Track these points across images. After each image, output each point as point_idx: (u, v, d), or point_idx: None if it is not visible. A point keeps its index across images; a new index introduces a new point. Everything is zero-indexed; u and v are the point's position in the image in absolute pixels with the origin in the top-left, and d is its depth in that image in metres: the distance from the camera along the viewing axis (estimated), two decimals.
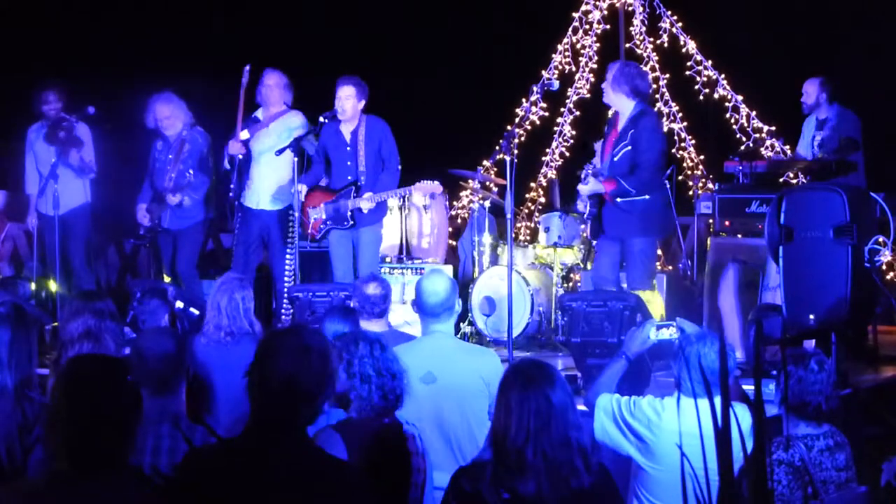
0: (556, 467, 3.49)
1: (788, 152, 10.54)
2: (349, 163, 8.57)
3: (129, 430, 3.32)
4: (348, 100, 8.44)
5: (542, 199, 12.36)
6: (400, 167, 8.68)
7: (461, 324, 9.46)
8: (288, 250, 8.79)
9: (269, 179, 8.96)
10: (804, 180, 9.41)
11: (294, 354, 3.29)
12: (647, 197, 7.69)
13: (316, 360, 3.31)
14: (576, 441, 3.54)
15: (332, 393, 3.67)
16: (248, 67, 9.06)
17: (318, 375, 3.32)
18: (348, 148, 8.57)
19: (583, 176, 7.97)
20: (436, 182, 8.69)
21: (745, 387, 5.07)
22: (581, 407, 5.91)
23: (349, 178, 8.60)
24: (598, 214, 7.91)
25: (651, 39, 11.74)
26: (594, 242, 8.50)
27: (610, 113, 8.08)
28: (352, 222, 8.55)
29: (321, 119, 8.38)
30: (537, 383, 3.58)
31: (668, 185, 8.23)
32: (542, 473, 3.48)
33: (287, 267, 8.74)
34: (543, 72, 11.87)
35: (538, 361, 3.73)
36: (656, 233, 7.97)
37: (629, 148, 7.70)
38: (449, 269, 9.87)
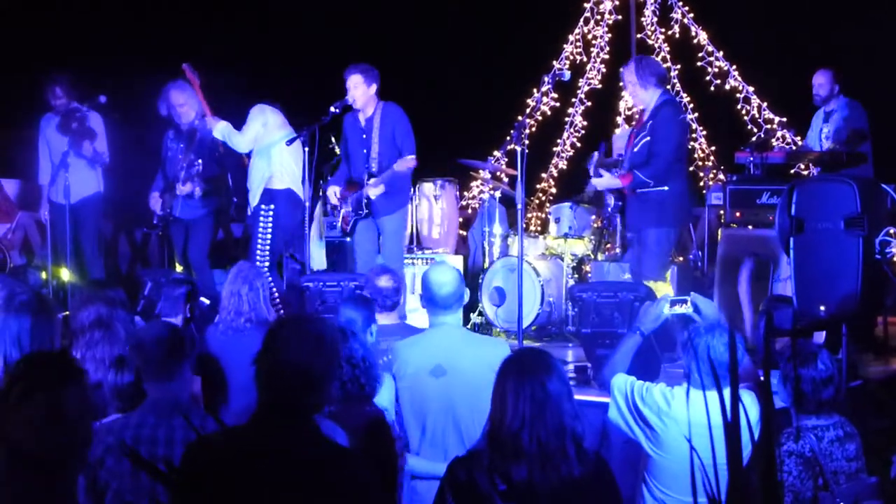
0: (549, 454, 3.50)
1: (799, 143, 10.53)
2: (365, 150, 8.53)
3: None
4: (357, 88, 8.40)
5: (553, 190, 12.36)
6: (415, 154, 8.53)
7: (471, 314, 9.46)
8: (260, 233, 8.72)
9: (253, 176, 8.92)
10: (815, 172, 9.39)
11: (303, 342, 3.29)
12: (665, 188, 7.69)
13: (325, 347, 3.32)
14: (570, 429, 3.55)
15: (339, 380, 3.68)
16: (186, 65, 8.94)
17: (327, 363, 3.32)
18: (364, 136, 8.54)
19: (591, 171, 7.98)
20: (410, 157, 8.45)
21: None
22: (585, 397, 5.96)
23: (366, 166, 8.54)
24: (623, 207, 7.95)
25: (662, 30, 11.74)
26: (629, 235, 8.53)
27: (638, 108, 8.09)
28: (366, 211, 8.51)
29: (331, 109, 8.32)
30: (533, 371, 3.59)
31: (688, 177, 8.18)
32: (535, 460, 3.49)
33: (260, 251, 8.68)
34: (555, 62, 11.87)
35: (536, 350, 3.74)
36: (671, 224, 7.88)
37: (648, 138, 7.70)
38: (459, 260, 9.88)
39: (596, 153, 8.15)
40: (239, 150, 8.76)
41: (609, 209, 8.19)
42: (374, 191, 8.39)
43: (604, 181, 7.89)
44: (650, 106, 7.83)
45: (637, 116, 8.06)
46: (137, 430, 4.14)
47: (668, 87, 7.99)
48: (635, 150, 7.80)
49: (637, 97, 7.99)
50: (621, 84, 8.58)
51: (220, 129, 8.69)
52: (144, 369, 4.32)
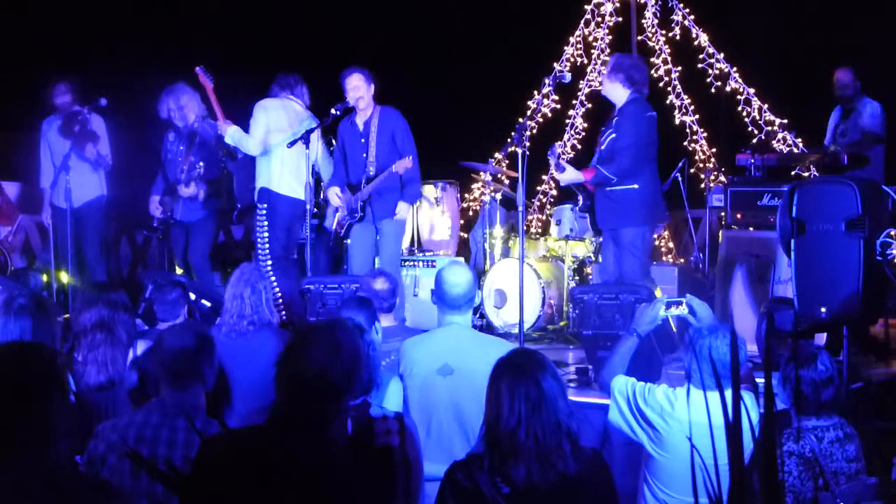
0: (545, 452, 3.50)
1: (800, 145, 10.53)
2: (364, 154, 8.49)
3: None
4: (358, 89, 8.35)
5: (554, 192, 12.36)
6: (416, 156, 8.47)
7: (472, 316, 9.45)
8: (258, 233, 8.74)
9: (257, 178, 8.93)
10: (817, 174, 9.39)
11: (327, 349, 3.29)
12: (635, 186, 7.59)
13: (347, 356, 3.32)
14: (565, 427, 3.55)
15: (359, 390, 3.66)
16: (200, 69, 8.73)
17: (348, 371, 3.32)
18: (362, 140, 8.50)
19: (553, 165, 7.86)
20: (409, 157, 8.33)
21: (757, 380, 5.07)
22: (586, 399, 5.95)
23: (364, 170, 8.48)
24: (592, 207, 7.86)
25: (663, 32, 11.73)
26: (599, 239, 8.45)
27: None
28: (360, 214, 8.47)
29: (333, 111, 8.30)
30: (528, 370, 3.60)
31: (658, 176, 8.05)
32: (532, 458, 3.49)
33: (261, 252, 8.70)
34: (555, 64, 11.86)
35: (528, 350, 3.76)
36: (646, 222, 7.74)
37: (613, 135, 7.65)
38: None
39: (556, 144, 8.06)
40: (251, 153, 8.71)
41: (579, 207, 8.11)
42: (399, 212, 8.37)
43: (567, 175, 7.78)
44: (619, 104, 7.78)
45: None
46: (140, 430, 4.14)
47: (642, 92, 7.86)
48: (602, 147, 7.74)
49: (604, 87, 7.97)
50: None
51: (231, 134, 8.64)
52: (160, 374, 4.31)
